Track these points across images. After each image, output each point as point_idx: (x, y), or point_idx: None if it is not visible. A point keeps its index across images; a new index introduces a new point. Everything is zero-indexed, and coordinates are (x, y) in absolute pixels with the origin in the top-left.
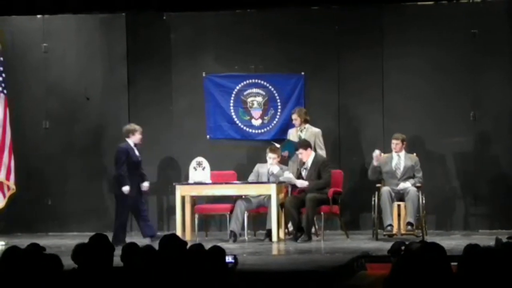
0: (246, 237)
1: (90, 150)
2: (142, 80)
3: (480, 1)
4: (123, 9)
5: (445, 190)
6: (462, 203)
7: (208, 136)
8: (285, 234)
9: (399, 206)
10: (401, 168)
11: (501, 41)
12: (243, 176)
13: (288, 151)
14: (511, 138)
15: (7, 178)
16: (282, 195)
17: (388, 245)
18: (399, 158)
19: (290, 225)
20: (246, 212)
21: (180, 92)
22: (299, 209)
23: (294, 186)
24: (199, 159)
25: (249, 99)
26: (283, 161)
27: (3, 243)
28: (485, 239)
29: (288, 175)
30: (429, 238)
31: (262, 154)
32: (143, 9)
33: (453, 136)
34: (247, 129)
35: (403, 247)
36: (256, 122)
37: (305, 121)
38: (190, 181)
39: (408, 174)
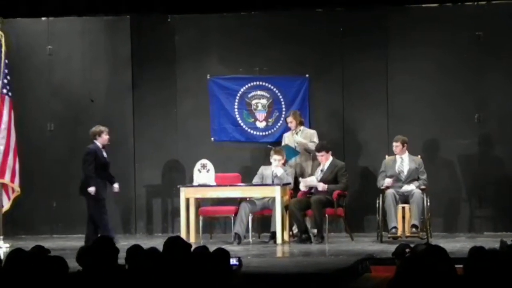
0: (250, 239)
1: None
2: (146, 82)
3: (485, 3)
4: (128, 11)
5: (450, 192)
6: (467, 205)
7: (212, 138)
8: (290, 236)
9: (403, 208)
10: (405, 171)
11: (506, 43)
12: (247, 178)
13: (286, 155)
14: None
15: (12, 181)
16: (286, 198)
17: (392, 248)
18: (402, 161)
19: (294, 227)
20: (250, 214)
21: (184, 94)
22: (303, 211)
23: (299, 189)
24: (204, 161)
25: (254, 101)
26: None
27: (7, 245)
28: (490, 241)
29: (311, 178)
30: (433, 241)
31: (266, 156)
32: (147, 11)
33: (457, 138)
34: (252, 131)
35: (407, 250)
36: (261, 124)
37: (300, 123)
38: (195, 183)
39: (413, 177)
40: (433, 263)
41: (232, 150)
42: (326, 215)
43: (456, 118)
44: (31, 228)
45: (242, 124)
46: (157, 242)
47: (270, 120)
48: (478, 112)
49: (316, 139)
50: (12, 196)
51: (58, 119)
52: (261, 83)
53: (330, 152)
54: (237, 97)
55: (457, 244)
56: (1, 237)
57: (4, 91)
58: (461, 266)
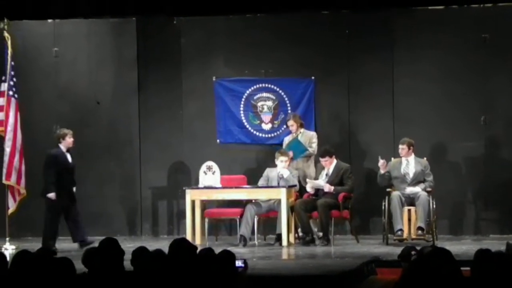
0: (256, 242)
1: (100, 154)
2: (152, 84)
3: (491, 5)
4: (134, 13)
5: (456, 194)
6: (473, 207)
7: (218, 140)
8: (295, 238)
9: (409, 210)
10: (411, 173)
11: None
12: (253, 180)
13: (293, 151)
14: None
15: (18, 183)
16: (292, 200)
17: (398, 250)
18: (408, 163)
19: (300, 230)
20: (256, 216)
21: (190, 97)
22: (309, 212)
23: (305, 191)
24: (209, 163)
25: (259, 104)
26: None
27: (13, 247)
28: (496, 244)
29: (318, 180)
30: (439, 243)
31: (272, 158)
32: (153, 13)
33: (463, 141)
34: (257, 133)
35: (413, 252)
36: (266, 127)
37: (301, 126)
38: (200, 185)
39: (418, 179)
40: (439, 265)
41: (238, 152)
42: (332, 217)
43: (462, 121)
44: (37, 230)
45: (247, 126)
46: (163, 244)
47: (275, 122)
48: (484, 114)
49: (315, 141)
50: (18, 198)
51: (64, 121)
52: (266, 85)
53: (333, 156)
54: (243, 99)
55: (463, 247)
56: (7, 238)
57: (11, 93)
58: (467, 268)
